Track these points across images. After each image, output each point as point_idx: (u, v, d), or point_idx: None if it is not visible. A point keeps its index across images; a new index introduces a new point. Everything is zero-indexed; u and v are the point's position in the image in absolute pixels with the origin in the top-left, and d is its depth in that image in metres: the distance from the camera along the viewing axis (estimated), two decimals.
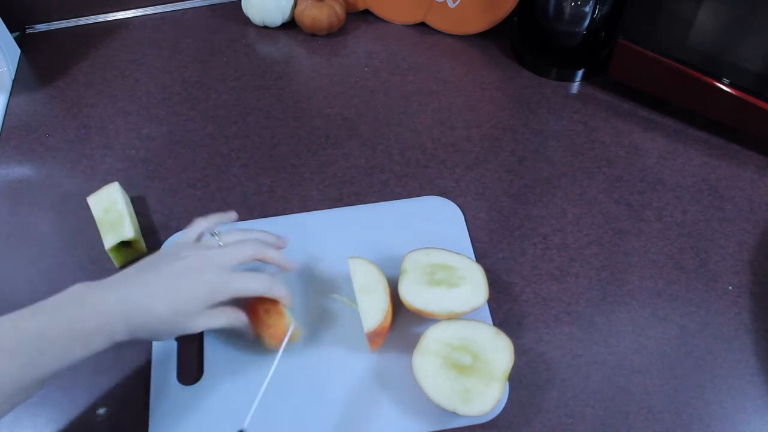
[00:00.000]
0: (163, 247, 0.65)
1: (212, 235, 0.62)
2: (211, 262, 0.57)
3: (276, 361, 0.59)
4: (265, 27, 0.93)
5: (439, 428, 0.58)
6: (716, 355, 0.63)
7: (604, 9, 0.80)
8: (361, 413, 0.59)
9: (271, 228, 0.71)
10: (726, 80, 0.71)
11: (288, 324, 0.60)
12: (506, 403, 0.60)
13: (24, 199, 0.76)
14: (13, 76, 0.88)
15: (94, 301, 0.52)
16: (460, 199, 0.74)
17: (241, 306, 0.60)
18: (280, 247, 0.64)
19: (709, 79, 0.72)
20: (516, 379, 0.61)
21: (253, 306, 0.61)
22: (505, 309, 0.66)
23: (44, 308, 0.51)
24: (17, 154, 0.81)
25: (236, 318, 0.59)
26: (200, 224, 0.63)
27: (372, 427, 0.59)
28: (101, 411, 0.61)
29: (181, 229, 0.72)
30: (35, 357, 0.49)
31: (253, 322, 0.60)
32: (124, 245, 0.69)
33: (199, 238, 0.62)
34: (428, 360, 0.58)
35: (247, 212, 0.74)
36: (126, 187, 0.75)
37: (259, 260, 0.61)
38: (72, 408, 0.62)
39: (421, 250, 0.65)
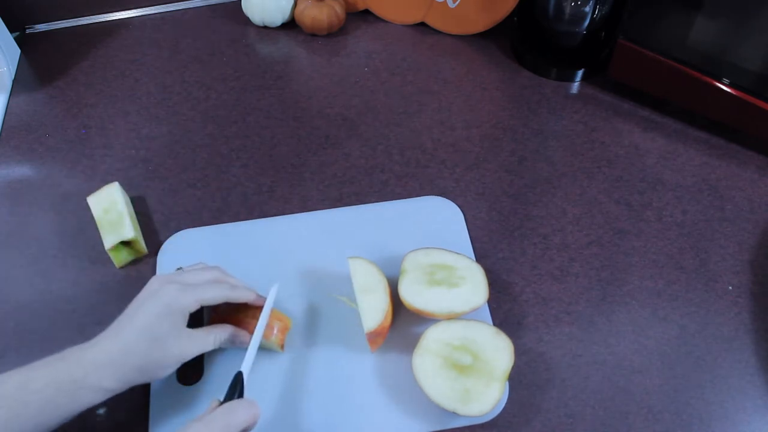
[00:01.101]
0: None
1: (177, 269, 0.63)
2: (168, 282, 0.58)
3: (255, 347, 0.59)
4: (265, 27, 0.93)
5: (439, 428, 0.58)
6: (716, 355, 0.63)
7: (604, 9, 0.80)
8: (361, 413, 0.59)
9: (272, 228, 0.72)
10: (726, 80, 0.71)
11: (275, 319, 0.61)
12: (506, 403, 0.60)
13: (24, 199, 0.76)
14: (13, 76, 0.88)
15: (77, 355, 0.53)
16: (460, 199, 0.74)
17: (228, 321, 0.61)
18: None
19: (709, 79, 0.72)
20: (516, 379, 0.61)
21: (236, 318, 0.61)
22: (505, 309, 0.66)
23: (30, 366, 0.52)
24: (17, 154, 0.81)
25: (221, 335, 0.59)
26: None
27: (372, 427, 0.59)
28: (101, 411, 0.61)
29: (181, 229, 0.72)
30: (19, 410, 0.49)
31: (244, 328, 0.61)
32: (124, 245, 0.69)
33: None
34: (428, 360, 0.58)
35: (247, 212, 0.74)
36: (126, 187, 0.75)
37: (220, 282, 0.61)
38: None
39: (421, 250, 0.65)
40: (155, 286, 0.57)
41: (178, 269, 0.64)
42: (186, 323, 0.57)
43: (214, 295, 0.58)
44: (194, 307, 0.57)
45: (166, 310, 0.55)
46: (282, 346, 0.62)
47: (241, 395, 0.55)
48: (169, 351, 0.55)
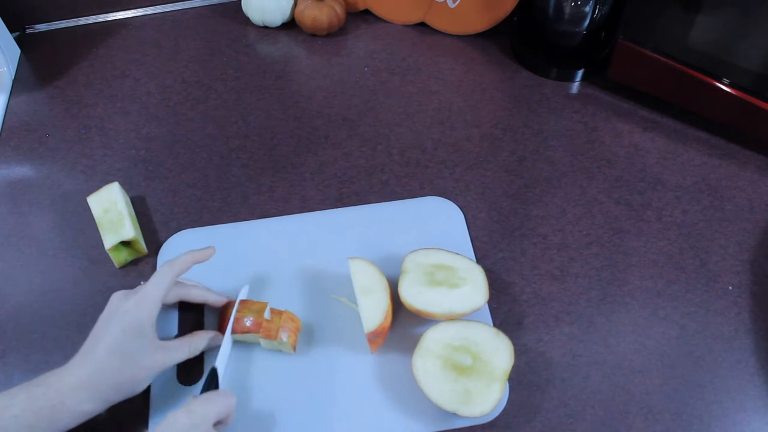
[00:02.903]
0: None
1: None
2: (126, 297, 0.58)
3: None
4: (265, 27, 0.93)
5: (439, 429, 0.58)
6: (716, 355, 0.63)
7: (604, 9, 0.80)
8: (361, 414, 0.59)
9: (272, 228, 0.72)
10: (726, 80, 0.71)
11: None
12: (506, 404, 0.60)
13: (24, 199, 0.76)
14: (13, 76, 0.88)
15: (53, 379, 0.53)
16: (460, 199, 0.74)
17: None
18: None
19: (709, 79, 0.72)
20: (516, 379, 0.61)
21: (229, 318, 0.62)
22: (505, 309, 0.66)
23: (8, 392, 0.53)
24: (17, 154, 0.81)
25: (198, 343, 0.60)
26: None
27: (372, 427, 0.59)
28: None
29: (181, 230, 0.72)
30: None
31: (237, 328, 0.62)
32: (124, 245, 0.69)
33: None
34: (428, 361, 0.58)
35: (247, 212, 0.74)
36: (126, 187, 0.75)
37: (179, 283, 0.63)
38: None
39: (421, 251, 0.65)
40: (115, 304, 0.58)
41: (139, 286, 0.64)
42: (155, 334, 0.57)
43: (170, 298, 0.61)
44: (155, 314, 0.57)
45: (131, 325, 0.56)
46: (294, 347, 0.62)
47: (216, 388, 0.58)
48: (142, 365, 0.56)
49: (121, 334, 0.55)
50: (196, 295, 0.63)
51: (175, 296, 0.62)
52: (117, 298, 0.58)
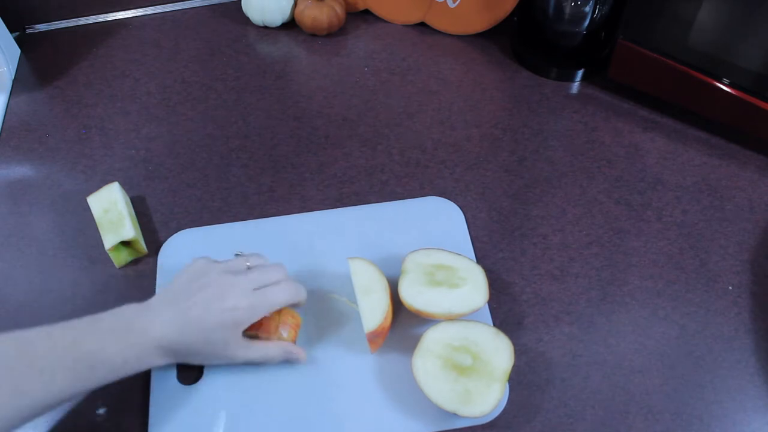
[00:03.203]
0: (187, 264, 0.62)
1: (237, 255, 0.64)
2: (234, 288, 0.58)
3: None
4: (265, 27, 0.93)
5: (439, 429, 0.58)
6: (716, 355, 0.63)
7: (604, 9, 0.80)
8: (362, 414, 0.59)
9: (272, 228, 0.72)
10: (726, 80, 0.71)
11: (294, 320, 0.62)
12: (506, 404, 0.60)
13: (24, 199, 0.76)
14: (13, 76, 0.88)
15: (141, 328, 0.55)
16: (460, 199, 0.74)
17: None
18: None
19: (709, 79, 0.72)
20: (516, 379, 0.61)
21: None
22: (505, 309, 0.66)
23: (99, 328, 0.54)
24: (17, 154, 0.81)
25: (267, 353, 0.60)
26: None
27: (372, 427, 0.59)
28: (101, 411, 0.61)
29: (181, 230, 0.72)
30: (87, 374, 0.52)
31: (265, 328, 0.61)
32: (124, 245, 0.69)
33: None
34: (428, 361, 0.58)
35: (247, 212, 0.74)
36: (126, 187, 0.75)
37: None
38: (72, 408, 0.62)
39: (421, 251, 0.65)
40: (220, 290, 0.57)
41: (237, 255, 0.64)
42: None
43: (281, 303, 0.60)
44: (255, 320, 0.59)
45: (231, 323, 0.57)
46: (294, 343, 0.62)
47: None
48: (223, 353, 0.58)
49: (218, 324, 0.56)
50: (300, 298, 0.62)
51: (286, 303, 0.61)
52: (227, 284, 0.58)
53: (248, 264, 0.62)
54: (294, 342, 0.62)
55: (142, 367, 0.56)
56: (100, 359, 0.53)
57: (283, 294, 0.60)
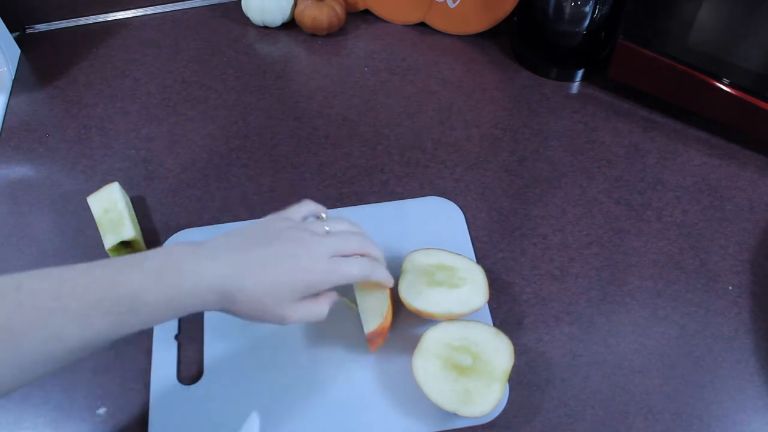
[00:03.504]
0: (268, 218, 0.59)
1: (318, 218, 0.60)
2: (310, 249, 0.54)
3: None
4: (265, 27, 0.93)
5: (439, 429, 0.58)
6: (716, 355, 0.63)
7: (604, 9, 0.80)
8: (361, 414, 0.59)
9: None
10: (726, 80, 0.71)
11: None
12: (506, 404, 0.60)
13: (24, 199, 0.76)
14: (13, 76, 0.88)
15: (191, 270, 0.50)
16: (460, 199, 0.74)
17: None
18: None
19: (709, 79, 0.72)
20: (516, 379, 0.61)
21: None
22: (505, 309, 0.66)
23: (144, 268, 0.49)
24: (17, 154, 0.81)
25: (322, 311, 0.55)
26: (308, 206, 0.61)
27: (372, 428, 0.59)
28: (101, 411, 0.61)
29: (181, 230, 0.72)
30: (127, 317, 0.47)
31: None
32: (124, 245, 0.69)
33: (304, 219, 0.60)
34: (428, 361, 0.58)
35: (247, 212, 0.74)
36: (126, 187, 0.75)
37: (360, 255, 0.58)
38: (72, 408, 0.62)
39: (421, 251, 0.65)
40: (295, 249, 0.53)
41: (318, 218, 0.60)
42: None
43: (355, 277, 0.56)
44: (327, 288, 0.55)
45: (302, 285, 0.53)
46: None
47: None
48: (275, 312, 0.53)
49: (287, 284, 0.52)
50: (377, 277, 0.58)
51: (360, 277, 0.57)
52: (306, 242, 0.54)
53: (327, 229, 0.58)
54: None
55: (189, 311, 0.50)
56: (144, 301, 0.47)
57: (357, 268, 0.56)
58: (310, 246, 0.54)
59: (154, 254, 0.51)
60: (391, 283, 0.60)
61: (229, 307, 0.52)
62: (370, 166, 0.77)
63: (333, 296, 0.57)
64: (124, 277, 0.48)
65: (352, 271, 0.55)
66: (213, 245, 0.53)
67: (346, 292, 0.65)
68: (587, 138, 0.79)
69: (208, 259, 0.51)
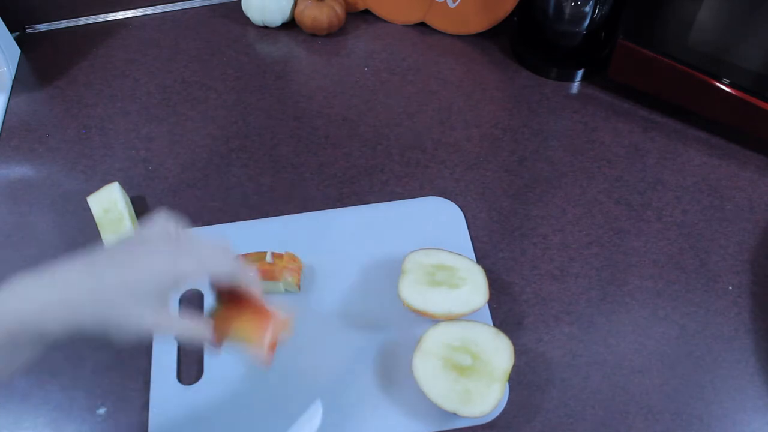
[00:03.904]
0: None
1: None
2: (169, 237, 0.48)
3: None
4: (265, 27, 0.93)
5: (439, 429, 0.58)
6: (716, 355, 0.63)
7: (604, 9, 0.80)
8: (362, 414, 0.59)
9: (272, 228, 0.72)
10: (726, 80, 0.71)
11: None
12: (506, 404, 0.60)
13: (24, 199, 0.76)
14: (13, 76, 0.88)
15: (21, 291, 0.47)
16: (460, 199, 0.74)
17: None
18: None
19: (709, 79, 0.72)
20: (516, 379, 0.61)
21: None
22: (505, 309, 0.66)
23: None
24: (17, 154, 0.81)
25: (197, 330, 0.49)
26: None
27: (372, 427, 0.59)
28: (101, 411, 0.61)
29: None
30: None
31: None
32: None
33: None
34: (428, 361, 0.58)
35: (247, 212, 0.74)
36: (126, 187, 0.75)
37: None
38: (72, 408, 0.62)
39: (421, 251, 0.65)
40: (152, 236, 0.48)
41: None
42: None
43: (216, 268, 0.49)
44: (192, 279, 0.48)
45: (169, 272, 0.46)
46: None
47: None
48: (131, 309, 0.45)
49: (147, 269, 0.46)
50: (245, 281, 0.51)
51: (225, 278, 0.50)
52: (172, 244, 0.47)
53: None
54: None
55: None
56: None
57: (224, 271, 0.49)
58: (168, 236, 0.49)
59: None
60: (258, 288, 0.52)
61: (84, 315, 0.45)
62: (370, 166, 0.77)
63: (199, 326, 0.50)
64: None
65: (211, 262, 0.49)
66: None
67: None
68: (587, 138, 0.79)
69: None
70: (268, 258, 0.63)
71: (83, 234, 0.72)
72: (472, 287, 0.62)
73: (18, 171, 0.79)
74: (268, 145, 0.80)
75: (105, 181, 0.73)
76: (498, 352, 0.58)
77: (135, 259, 0.47)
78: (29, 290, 0.46)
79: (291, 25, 0.92)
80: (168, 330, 0.49)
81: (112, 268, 0.46)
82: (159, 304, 0.47)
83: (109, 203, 0.71)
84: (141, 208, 0.75)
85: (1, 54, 0.86)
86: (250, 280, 0.51)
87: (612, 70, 0.80)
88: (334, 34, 0.91)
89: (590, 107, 0.82)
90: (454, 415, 0.57)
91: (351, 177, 0.76)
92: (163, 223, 0.50)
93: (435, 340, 0.59)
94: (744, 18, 0.67)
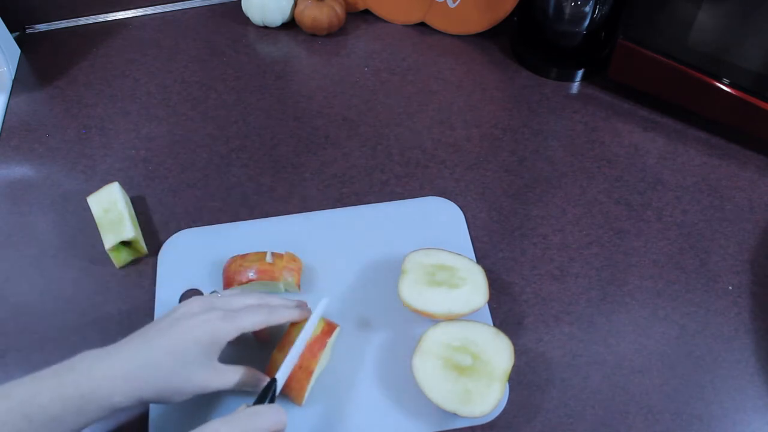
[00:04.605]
0: None
1: (212, 293, 0.63)
2: (210, 305, 0.55)
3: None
4: (265, 27, 0.93)
5: (439, 429, 0.58)
6: (716, 355, 0.63)
7: (604, 9, 0.80)
8: (362, 414, 0.59)
9: (272, 228, 0.72)
10: (726, 80, 0.71)
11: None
12: (506, 404, 0.60)
13: (24, 199, 0.76)
14: (13, 76, 0.88)
15: (88, 364, 0.50)
16: (460, 199, 0.74)
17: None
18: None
19: (709, 79, 0.72)
20: (516, 379, 0.61)
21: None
22: (505, 309, 0.66)
23: (38, 375, 0.49)
24: (17, 154, 0.81)
25: (251, 378, 0.56)
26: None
27: (372, 427, 0.59)
28: None
29: (181, 229, 0.72)
30: (22, 426, 0.47)
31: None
32: (124, 245, 0.69)
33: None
34: (428, 361, 0.58)
35: (247, 212, 0.74)
36: (126, 187, 0.75)
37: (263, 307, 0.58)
38: None
39: (421, 251, 0.65)
40: (196, 309, 0.55)
41: (212, 293, 0.62)
42: (218, 356, 0.54)
43: (253, 323, 0.56)
44: (233, 336, 0.54)
45: (206, 337, 0.53)
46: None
47: (272, 402, 0.54)
48: (193, 379, 0.52)
49: (191, 342, 0.52)
50: (279, 318, 0.57)
51: (261, 323, 0.56)
52: (200, 305, 0.55)
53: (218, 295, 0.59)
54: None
55: (88, 414, 0.49)
56: (37, 405, 0.47)
57: (258, 316, 0.56)
58: (209, 303, 0.56)
59: (57, 364, 0.50)
60: (299, 316, 0.59)
61: (139, 391, 0.50)
62: (370, 166, 0.77)
63: (242, 370, 0.56)
64: (18, 386, 0.48)
65: (254, 319, 0.56)
66: (114, 345, 0.52)
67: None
68: (587, 138, 0.79)
69: (105, 353, 0.51)
70: (268, 258, 0.63)
71: (83, 234, 0.73)
72: (472, 287, 0.62)
73: (18, 171, 0.79)
74: (268, 145, 0.80)
75: (105, 181, 0.73)
76: (498, 352, 0.58)
77: (179, 327, 0.53)
78: (94, 366, 0.51)
79: (291, 25, 0.92)
80: (219, 385, 0.54)
81: (160, 338, 0.52)
82: (205, 363, 0.53)
83: (109, 203, 0.71)
84: (141, 208, 0.75)
85: (1, 54, 0.86)
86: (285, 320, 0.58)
87: (612, 70, 0.80)
88: (334, 34, 0.91)
89: (590, 107, 0.82)
90: (454, 415, 0.57)
91: (351, 177, 0.76)
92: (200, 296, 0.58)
93: (435, 340, 0.59)
94: (744, 18, 0.67)
